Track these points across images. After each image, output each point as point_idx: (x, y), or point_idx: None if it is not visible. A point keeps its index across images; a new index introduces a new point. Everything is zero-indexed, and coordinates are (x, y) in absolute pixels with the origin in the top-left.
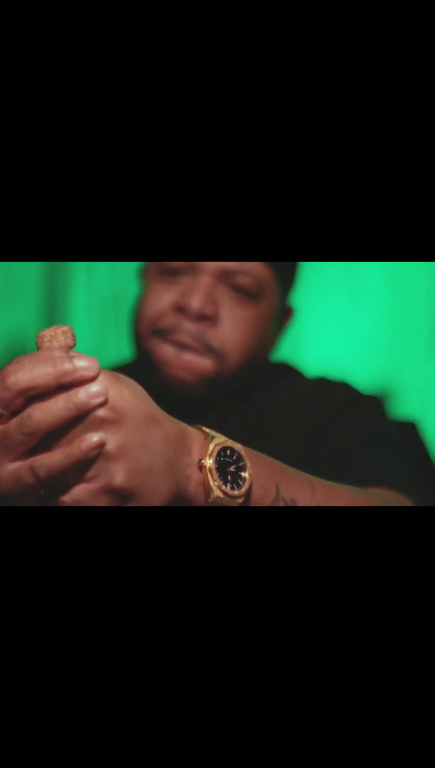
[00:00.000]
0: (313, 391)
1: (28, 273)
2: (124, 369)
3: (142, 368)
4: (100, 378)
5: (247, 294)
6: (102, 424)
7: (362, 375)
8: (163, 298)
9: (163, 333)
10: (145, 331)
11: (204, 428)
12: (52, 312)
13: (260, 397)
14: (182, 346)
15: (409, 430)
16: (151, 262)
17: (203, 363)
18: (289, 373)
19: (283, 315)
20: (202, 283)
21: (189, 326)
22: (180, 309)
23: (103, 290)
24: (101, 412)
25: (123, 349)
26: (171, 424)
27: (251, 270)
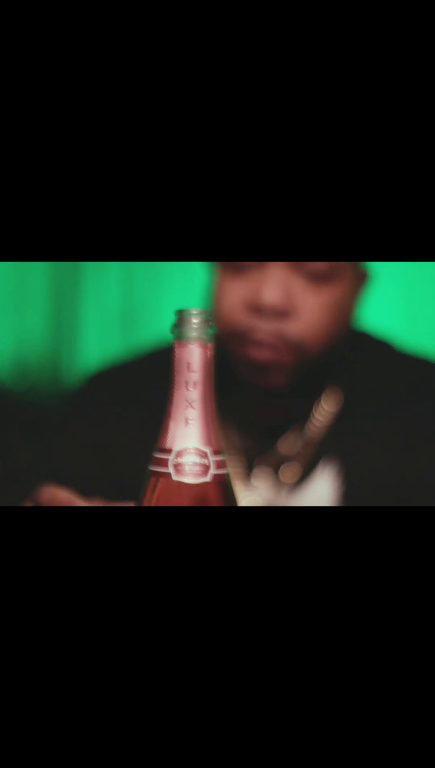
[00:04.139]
0: (413, 369)
1: (36, 285)
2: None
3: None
4: None
5: (322, 278)
6: None
7: None
8: (234, 295)
9: (238, 334)
10: (219, 332)
11: None
12: (60, 325)
13: (352, 377)
14: (261, 345)
15: None
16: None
17: (284, 358)
18: (376, 346)
19: (359, 283)
20: (274, 275)
21: (266, 326)
22: (253, 308)
23: (112, 304)
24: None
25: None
26: None
27: None
